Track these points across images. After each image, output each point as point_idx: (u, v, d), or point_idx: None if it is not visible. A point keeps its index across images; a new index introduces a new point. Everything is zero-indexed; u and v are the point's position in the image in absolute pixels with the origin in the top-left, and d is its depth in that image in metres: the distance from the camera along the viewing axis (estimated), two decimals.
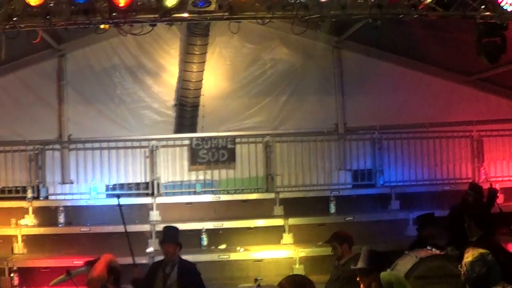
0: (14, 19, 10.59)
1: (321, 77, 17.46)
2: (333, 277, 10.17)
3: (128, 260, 12.68)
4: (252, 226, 14.20)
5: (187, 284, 10.18)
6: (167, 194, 15.34)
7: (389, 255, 8.82)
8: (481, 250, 6.42)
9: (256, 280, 9.98)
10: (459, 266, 6.78)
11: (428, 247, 10.91)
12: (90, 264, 9.17)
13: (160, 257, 11.05)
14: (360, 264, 7.67)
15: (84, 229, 13.99)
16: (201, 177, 15.55)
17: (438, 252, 10.40)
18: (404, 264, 10.26)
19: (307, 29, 12.08)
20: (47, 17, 10.63)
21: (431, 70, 17.32)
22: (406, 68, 17.40)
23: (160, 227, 13.68)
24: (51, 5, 10.50)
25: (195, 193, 15.31)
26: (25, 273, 12.78)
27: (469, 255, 6.39)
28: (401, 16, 11.41)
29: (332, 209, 14.75)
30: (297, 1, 10.94)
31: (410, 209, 14.79)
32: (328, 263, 10.90)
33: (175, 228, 10.85)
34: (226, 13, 11.19)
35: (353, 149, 16.25)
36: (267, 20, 11.59)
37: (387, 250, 10.93)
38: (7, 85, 16.36)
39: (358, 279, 7.68)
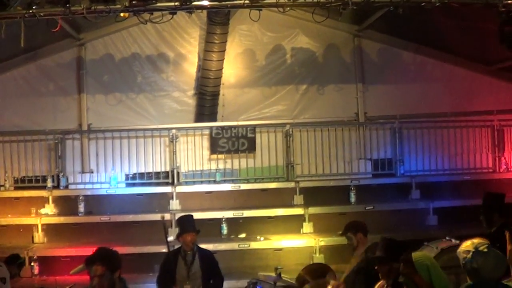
0: (34, 7, 10.64)
1: (342, 66, 17.42)
2: (354, 268, 10.05)
3: (145, 249, 12.86)
4: (272, 215, 14.17)
5: (209, 271, 10.28)
6: (187, 183, 15.32)
7: (408, 244, 8.74)
8: (476, 241, 6.36)
9: (276, 269, 9.95)
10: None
11: (447, 238, 10.82)
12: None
13: None
14: (378, 253, 7.63)
15: (104, 218, 14.01)
16: (221, 166, 15.51)
17: (458, 242, 10.30)
18: None
19: (328, 17, 11.99)
20: (67, 5, 10.65)
21: (452, 59, 17.20)
22: (427, 57, 17.33)
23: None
24: None
25: (215, 182, 15.27)
26: (45, 262, 12.85)
27: (464, 245, 6.34)
28: (423, 4, 11.30)
29: (352, 198, 14.65)
30: None
31: (431, 199, 14.74)
32: (348, 252, 10.79)
33: (192, 216, 10.84)
34: (246, 1, 11.13)
35: (373, 138, 16.16)
36: (288, 8, 11.56)
37: (407, 240, 10.85)
38: (27, 75, 16.52)
39: (376, 268, 7.63)
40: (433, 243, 10.58)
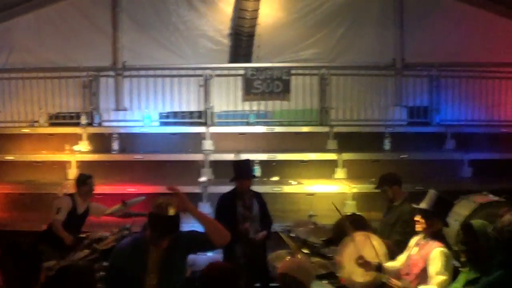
0: None
1: (380, 10, 16.97)
2: (389, 220, 9.89)
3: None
4: (305, 159, 14.13)
5: (265, 213, 10.22)
6: (220, 123, 15.29)
7: (452, 203, 8.54)
8: None
9: (310, 216, 9.93)
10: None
11: (484, 193, 10.66)
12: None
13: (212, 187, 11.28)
14: (423, 205, 7.44)
15: (138, 157, 14.10)
16: (254, 108, 15.46)
17: (497, 198, 10.15)
18: (462, 209, 10.06)
19: None
20: None
21: (494, 7, 16.76)
22: (469, 4, 16.84)
23: (213, 157, 13.82)
24: None
25: (248, 123, 15.25)
26: None
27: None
28: None
29: (387, 145, 14.60)
30: None
31: (466, 150, 14.58)
32: (381, 200, 10.74)
33: (249, 162, 10.62)
34: None
35: (410, 85, 15.96)
36: None
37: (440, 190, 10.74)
38: (62, 12, 16.34)
39: (416, 218, 7.46)
40: (469, 197, 10.43)
